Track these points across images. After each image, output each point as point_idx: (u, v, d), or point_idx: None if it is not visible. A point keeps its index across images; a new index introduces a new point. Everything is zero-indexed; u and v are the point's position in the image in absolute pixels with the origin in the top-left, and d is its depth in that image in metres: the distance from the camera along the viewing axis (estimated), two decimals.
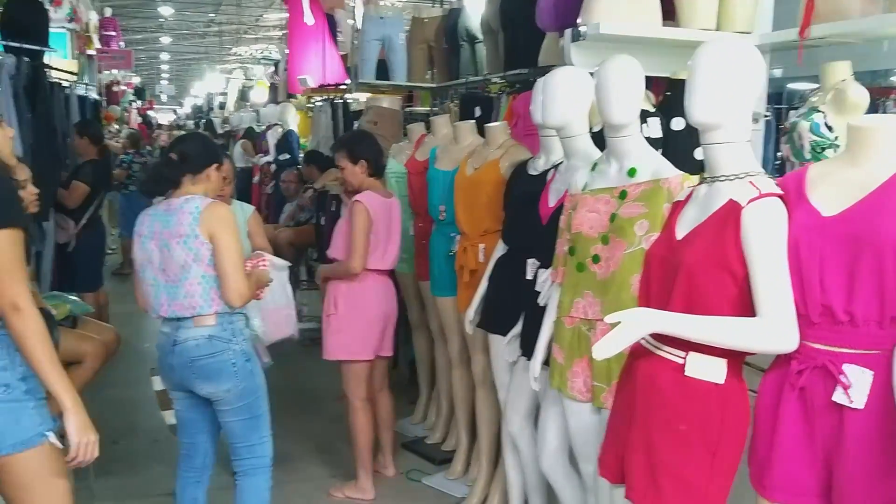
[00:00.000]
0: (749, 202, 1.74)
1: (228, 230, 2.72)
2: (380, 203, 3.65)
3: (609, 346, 1.76)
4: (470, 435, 3.94)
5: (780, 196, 1.75)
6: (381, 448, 4.04)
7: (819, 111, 2.96)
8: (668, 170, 2.36)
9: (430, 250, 3.88)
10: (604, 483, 2.28)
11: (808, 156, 2.97)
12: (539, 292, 2.77)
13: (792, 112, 3.11)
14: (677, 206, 1.99)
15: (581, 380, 2.47)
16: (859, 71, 3.08)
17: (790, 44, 3.16)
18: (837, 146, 2.91)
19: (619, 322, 1.76)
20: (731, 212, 1.77)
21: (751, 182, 1.78)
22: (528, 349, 2.83)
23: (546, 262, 2.75)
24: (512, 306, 3.01)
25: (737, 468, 1.85)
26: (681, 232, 1.90)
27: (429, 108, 5.87)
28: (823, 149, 2.92)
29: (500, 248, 3.21)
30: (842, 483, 1.69)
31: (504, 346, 3.07)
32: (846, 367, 1.67)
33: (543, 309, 2.70)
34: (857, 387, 1.65)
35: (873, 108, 3.50)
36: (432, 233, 3.88)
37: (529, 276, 2.89)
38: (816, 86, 3.35)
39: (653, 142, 2.74)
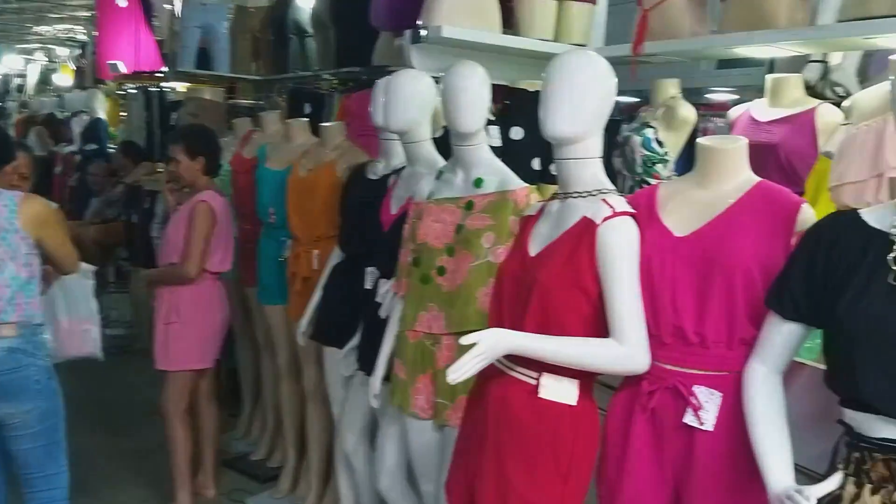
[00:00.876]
0: (603, 220, 1.71)
1: (54, 225, 2.55)
2: (221, 204, 3.47)
3: (465, 368, 1.67)
4: (298, 451, 3.75)
5: (633, 215, 1.73)
6: (201, 466, 3.76)
7: (651, 126, 3.04)
8: (514, 181, 2.30)
9: (258, 255, 3.66)
10: None
11: (639, 170, 3.05)
12: (379, 303, 2.65)
13: (624, 126, 3.18)
14: (529, 221, 1.94)
15: (424, 397, 2.37)
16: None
17: (621, 59, 3.24)
18: (667, 161, 3.00)
19: (475, 343, 1.67)
20: (586, 230, 1.73)
21: (604, 200, 1.75)
22: (365, 364, 2.70)
23: (387, 272, 2.64)
24: (349, 318, 2.86)
25: (587, 491, 1.81)
26: (534, 249, 1.84)
27: (253, 101, 5.59)
28: (654, 163, 3.01)
29: (336, 255, 3.06)
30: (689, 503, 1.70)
31: (339, 360, 2.92)
32: (696, 389, 1.67)
33: (384, 321, 2.58)
34: (706, 408, 1.66)
35: None
36: (260, 236, 3.66)
37: (369, 286, 2.76)
38: (638, 100, 3.46)
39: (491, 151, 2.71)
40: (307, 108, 4.15)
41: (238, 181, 3.94)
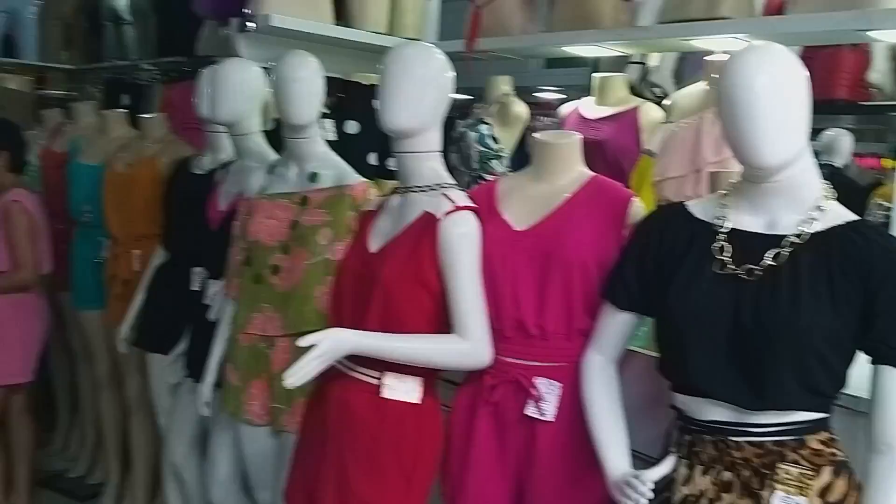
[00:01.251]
0: (445, 215, 1.68)
1: None
2: (35, 202, 3.23)
3: (303, 371, 1.59)
4: (121, 466, 3.49)
5: (474, 209, 1.72)
6: (13, 486, 3.43)
7: (486, 123, 3.07)
8: (351, 176, 2.24)
9: (72, 257, 3.37)
10: None
11: (475, 165, 3.07)
12: (208, 306, 2.50)
13: (459, 122, 3.19)
14: (368, 217, 1.88)
15: (259, 402, 2.25)
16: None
17: (454, 55, 3.25)
18: (502, 157, 3.04)
19: (314, 344, 1.60)
20: (427, 225, 1.70)
21: (445, 194, 1.73)
22: (194, 370, 2.54)
23: (215, 272, 2.49)
24: (175, 321, 2.69)
25: (431, 489, 1.79)
26: (374, 244, 1.79)
27: (65, 92, 5.18)
28: (490, 159, 3.04)
29: (159, 256, 2.86)
30: (530, 494, 1.71)
31: (165, 367, 2.74)
32: (537, 381, 1.68)
33: (213, 325, 2.44)
34: (547, 399, 1.67)
35: None
36: (74, 236, 3.37)
37: (196, 288, 2.60)
38: (472, 97, 3.49)
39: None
40: (125, 100, 3.90)
41: (48, 177, 3.63)
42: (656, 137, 2.72)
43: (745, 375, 1.36)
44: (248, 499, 2.51)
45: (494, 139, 3.05)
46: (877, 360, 1.33)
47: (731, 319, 1.37)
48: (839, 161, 4.48)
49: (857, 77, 3.81)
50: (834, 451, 1.37)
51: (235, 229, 2.37)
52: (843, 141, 4.56)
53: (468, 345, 1.66)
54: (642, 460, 1.73)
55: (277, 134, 2.51)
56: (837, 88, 3.78)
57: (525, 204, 1.75)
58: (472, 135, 3.08)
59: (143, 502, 3.26)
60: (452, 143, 3.20)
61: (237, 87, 2.41)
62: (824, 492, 1.34)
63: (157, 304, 2.82)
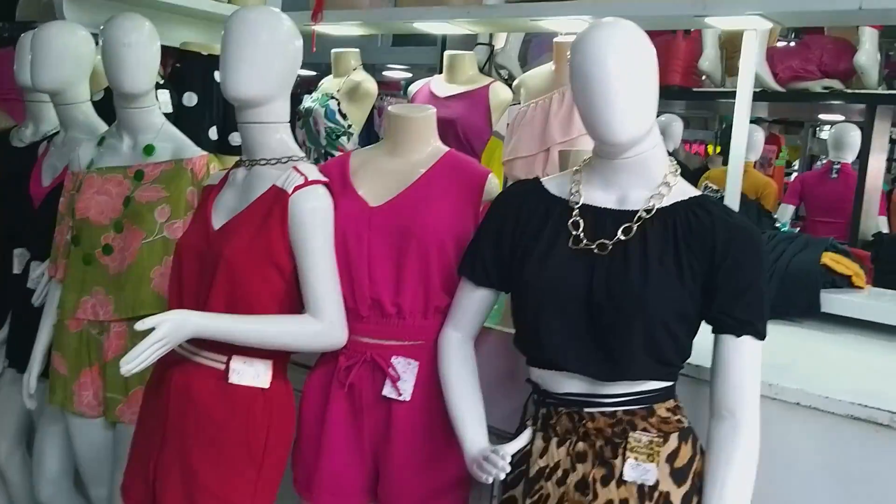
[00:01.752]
0: (295, 190, 1.61)
1: None
2: None
3: (141, 357, 1.48)
4: None
5: (326, 184, 1.65)
6: None
7: (334, 98, 2.99)
8: (190, 149, 2.11)
9: None
10: None
11: (324, 142, 2.99)
12: (31, 290, 2.29)
13: (306, 97, 3.09)
14: (210, 192, 1.77)
15: (91, 392, 2.09)
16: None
17: (300, 29, 3.14)
18: (352, 133, 2.98)
19: (153, 328, 1.49)
20: (276, 200, 1.62)
21: (295, 168, 1.65)
22: (16, 359, 2.34)
23: (39, 254, 2.29)
24: None
25: (281, 476, 1.71)
26: (218, 221, 1.68)
27: None
28: (338, 136, 2.97)
29: None
30: (387, 476, 1.67)
31: None
32: (394, 360, 1.65)
33: (38, 310, 2.24)
34: (404, 379, 1.64)
35: None
36: None
37: (17, 271, 2.38)
38: (316, 73, 3.41)
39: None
40: None
41: None
42: (504, 118, 2.75)
43: (598, 348, 1.39)
44: (81, 495, 2.34)
45: (343, 115, 2.97)
46: (718, 330, 1.39)
47: (585, 293, 1.39)
48: (671, 145, 4.74)
49: (690, 64, 4.03)
50: (679, 417, 1.42)
51: (61, 206, 2.18)
52: (675, 126, 4.82)
53: (322, 325, 1.60)
54: (497, 436, 1.73)
55: (107, 104, 2.33)
56: (671, 74, 3.98)
57: (379, 179, 1.70)
58: (321, 110, 3.00)
59: None
60: (299, 119, 3.10)
61: (62, 52, 2.21)
62: (671, 457, 1.38)
63: None
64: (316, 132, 3.01)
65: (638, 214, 1.40)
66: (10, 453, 2.52)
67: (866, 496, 1.39)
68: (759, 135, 4.57)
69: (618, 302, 1.36)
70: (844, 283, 2.18)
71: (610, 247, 1.39)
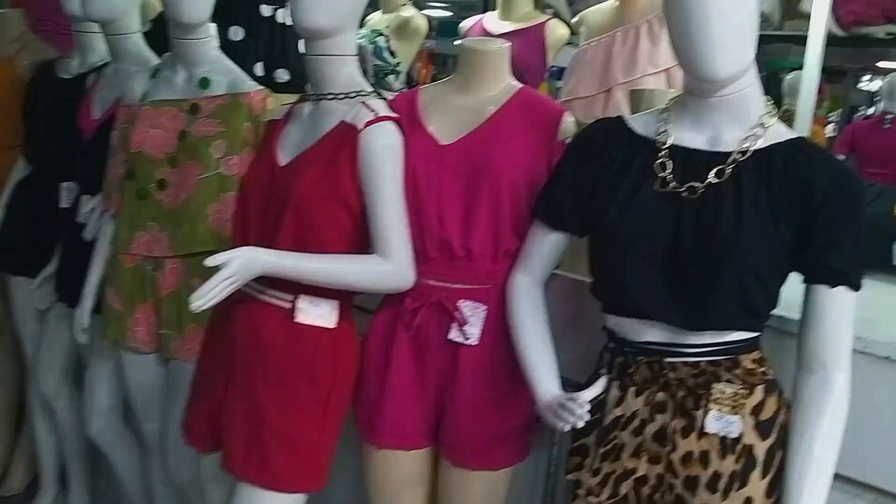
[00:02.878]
0: (366, 126, 1.55)
1: None
2: None
3: (211, 294, 1.45)
4: None
5: (396, 120, 1.59)
6: None
7: (382, 35, 2.90)
8: (246, 83, 2.05)
9: None
10: (177, 447, 1.95)
11: (370, 80, 2.91)
12: (82, 224, 2.27)
13: None
14: (275, 127, 1.72)
15: (144, 328, 2.07)
16: None
17: None
18: (399, 72, 2.90)
19: (224, 264, 1.45)
20: (346, 137, 1.56)
21: (364, 103, 1.59)
22: (66, 294, 2.32)
23: (89, 188, 2.26)
24: (41, 241, 2.44)
25: (345, 416, 1.69)
26: (284, 157, 1.64)
27: None
28: (386, 74, 2.89)
29: (20, 169, 2.57)
30: (451, 418, 1.65)
31: (31, 291, 2.48)
32: (461, 304, 1.61)
33: (88, 245, 2.22)
34: (471, 323, 1.60)
35: None
36: None
37: (65, 205, 2.36)
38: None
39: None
40: None
41: None
42: (560, 56, 2.66)
43: (684, 295, 1.33)
44: (131, 429, 2.35)
45: (392, 53, 2.89)
46: (811, 280, 1.33)
47: (672, 239, 1.33)
48: None
49: None
50: (765, 369, 1.38)
51: (114, 140, 2.13)
52: None
53: (391, 266, 1.55)
54: (563, 383, 1.70)
55: (153, 36, 2.27)
56: None
57: (450, 116, 1.64)
58: (369, 47, 2.91)
59: (5, 437, 2.99)
60: None
61: None
62: (756, 410, 1.34)
63: (20, 222, 2.55)
64: (364, 70, 2.92)
65: (732, 156, 1.33)
66: (58, 386, 2.54)
67: None
68: None
69: (707, 249, 1.30)
70: None
71: (701, 190, 1.33)
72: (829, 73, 7.40)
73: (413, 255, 1.59)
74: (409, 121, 1.64)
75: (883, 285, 1.98)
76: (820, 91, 6.69)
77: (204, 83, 2.04)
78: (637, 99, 1.84)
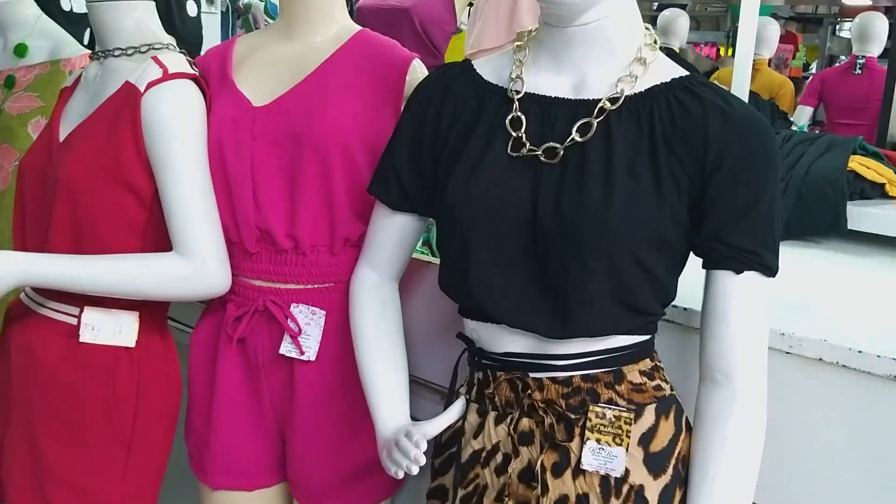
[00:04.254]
0: (149, 87, 1.21)
1: None
2: None
3: None
4: None
5: (193, 77, 1.25)
6: None
7: None
8: (70, 46, 1.71)
9: None
10: None
11: None
12: None
13: None
14: (63, 95, 1.37)
15: None
16: None
17: None
18: None
19: None
20: (127, 101, 1.22)
21: (154, 58, 1.25)
22: None
23: None
24: None
25: (168, 455, 1.37)
26: (64, 131, 1.30)
27: None
28: None
29: None
30: (293, 452, 1.33)
31: None
32: (294, 309, 1.28)
33: None
34: (308, 333, 1.27)
35: None
36: None
37: None
38: None
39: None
40: None
41: None
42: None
43: (547, 292, 1.01)
44: None
45: None
46: (711, 265, 1.00)
47: (528, 218, 1.00)
48: (676, 43, 4.25)
49: None
50: (658, 383, 1.05)
51: None
52: (680, 22, 4.32)
53: (193, 266, 1.22)
54: (441, 394, 1.38)
55: None
56: None
57: (268, 70, 1.29)
58: (259, 4, 2.57)
59: None
60: (239, 16, 2.69)
61: None
62: (646, 438, 1.02)
63: None
64: (256, 28, 2.58)
65: (599, 105, 0.99)
66: None
67: None
68: (774, 28, 4.07)
69: (572, 228, 0.97)
70: (876, 192, 1.77)
71: (561, 152, 1.00)
72: (804, 22, 7.05)
73: (225, 251, 1.25)
74: (219, 78, 1.30)
75: (834, 256, 1.66)
76: (793, 40, 6.30)
77: (21, 50, 1.71)
78: None
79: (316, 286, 1.28)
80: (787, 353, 1.08)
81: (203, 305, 1.39)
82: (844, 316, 1.22)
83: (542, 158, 1.01)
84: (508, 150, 1.03)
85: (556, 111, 1.02)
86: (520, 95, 1.04)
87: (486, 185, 1.03)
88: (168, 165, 1.20)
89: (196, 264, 1.21)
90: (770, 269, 0.98)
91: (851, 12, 5.29)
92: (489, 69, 1.11)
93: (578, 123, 0.99)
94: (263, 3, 2.59)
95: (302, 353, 1.27)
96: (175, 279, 1.22)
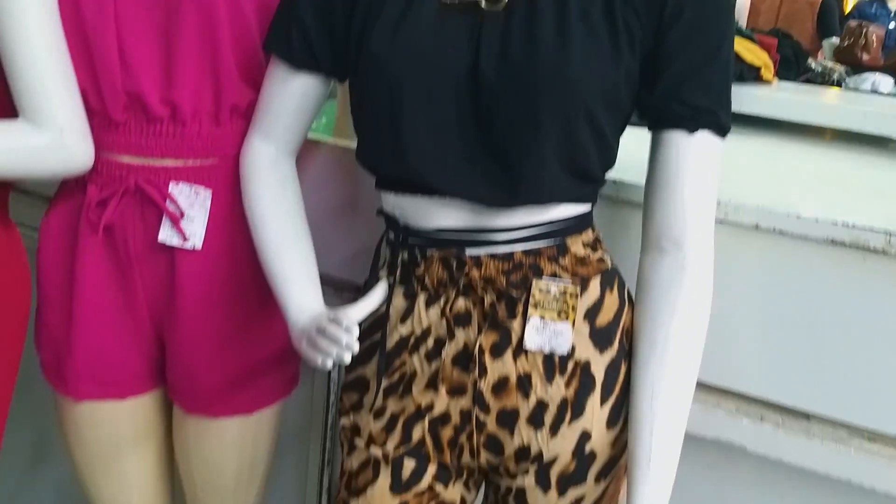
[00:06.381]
0: None
1: None
2: None
3: None
4: None
5: None
6: None
7: None
8: None
9: None
10: None
11: None
12: None
13: None
14: None
15: None
16: None
17: None
18: None
19: None
20: None
21: None
22: None
23: None
24: None
25: (18, 361, 1.16)
26: None
27: None
28: None
29: None
30: (172, 352, 1.17)
31: None
32: (173, 189, 1.09)
33: None
34: (191, 216, 1.10)
35: None
36: None
37: None
38: None
39: None
40: None
41: None
42: None
43: (488, 157, 0.90)
44: None
45: None
46: (663, 124, 0.93)
47: (469, 73, 0.88)
48: None
49: None
50: (602, 255, 0.99)
51: None
52: None
53: (45, 137, 1.00)
54: (336, 289, 1.26)
55: None
56: None
57: None
58: None
59: None
60: None
61: None
62: (592, 312, 0.96)
63: None
64: None
65: None
66: None
67: (850, 342, 1.03)
68: None
69: (523, 82, 0.86)
70: (751, 75, 1.78)
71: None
72: None
73: (86, 120, 1.04)
74: None
75: None
76: None
77: None
78: None
79: (198, 162, 1.10)
80: (721, 221, 1.05)
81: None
82: (761, 186, 1.21)
83: (482, 5, 0.89)
84: None
85: None
86: None
87: (417, 34, 0.90)
88: (8, 20, 0.96)
89: (52, 134, 1.00)
90: (724, 129, 0.93)
91: None
92: None
93: None
94: None
95: (185, 239, 1.09)
96: (26, 151, 0.99)
